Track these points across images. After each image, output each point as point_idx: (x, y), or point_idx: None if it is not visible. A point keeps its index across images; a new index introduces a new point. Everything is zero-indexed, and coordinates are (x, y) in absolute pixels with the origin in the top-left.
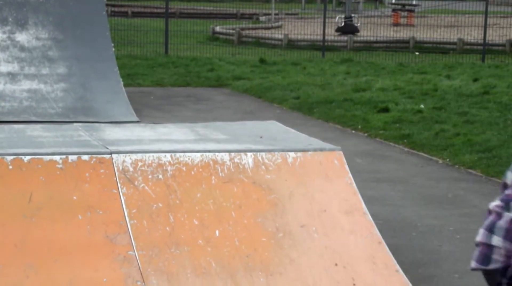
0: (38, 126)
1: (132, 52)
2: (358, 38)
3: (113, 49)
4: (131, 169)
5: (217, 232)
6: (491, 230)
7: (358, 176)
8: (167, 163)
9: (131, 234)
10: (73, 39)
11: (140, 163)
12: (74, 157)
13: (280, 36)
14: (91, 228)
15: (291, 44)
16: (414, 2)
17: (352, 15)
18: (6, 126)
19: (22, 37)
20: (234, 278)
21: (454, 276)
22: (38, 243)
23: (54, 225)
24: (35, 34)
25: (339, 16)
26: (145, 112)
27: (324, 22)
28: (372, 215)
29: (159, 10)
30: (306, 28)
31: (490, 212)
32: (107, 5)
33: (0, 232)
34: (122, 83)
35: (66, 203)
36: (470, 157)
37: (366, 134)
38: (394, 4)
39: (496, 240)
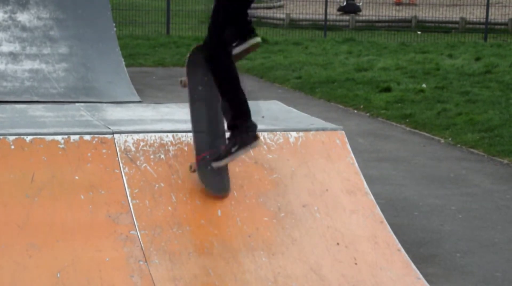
0: (40, 106)
1: (134, 32)
2: (360, 18)
3: (115, 29)
4: (133, 149)
5: (219, 211)
6: None
7: (360, 156)
8: (169, 143)
9: (133, 214)
10: (74, 18)
11: (142, 143)
12: (76, 137)
13: (281, 16)
14: (93, 208)
15: (293, 24)
16: None
17: None
18: (8, 106)
19: (23, 17)
20: (236, 257)
21: (456, 256)
22: (41, 223)
23: (57, 205)
24: (36, 14)
25: None
26: (147, 92)
27: (326, 2)
28: (374, 195)
29: None
30: (308, 8)
31: None
32: None
33: (2, 212)
34: (123, 63)
35: (68, 183)
36: (472, 137)
37: (368, 114)
38: None
39: None
